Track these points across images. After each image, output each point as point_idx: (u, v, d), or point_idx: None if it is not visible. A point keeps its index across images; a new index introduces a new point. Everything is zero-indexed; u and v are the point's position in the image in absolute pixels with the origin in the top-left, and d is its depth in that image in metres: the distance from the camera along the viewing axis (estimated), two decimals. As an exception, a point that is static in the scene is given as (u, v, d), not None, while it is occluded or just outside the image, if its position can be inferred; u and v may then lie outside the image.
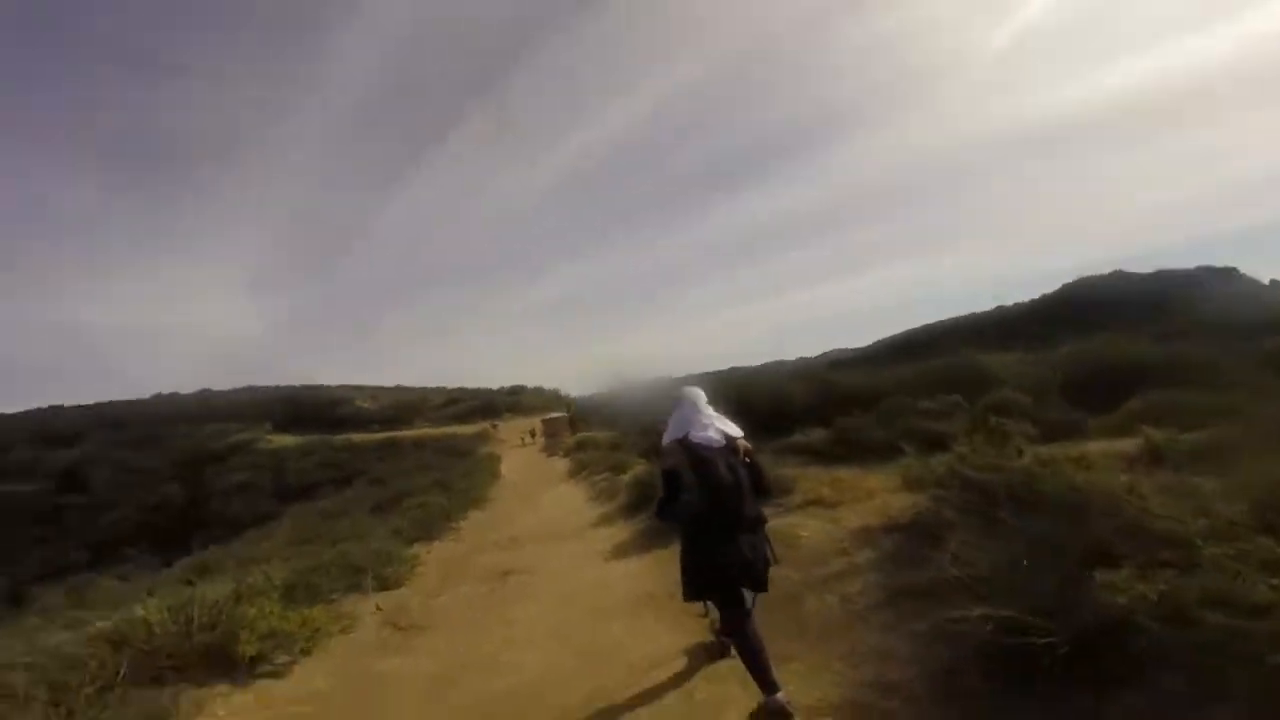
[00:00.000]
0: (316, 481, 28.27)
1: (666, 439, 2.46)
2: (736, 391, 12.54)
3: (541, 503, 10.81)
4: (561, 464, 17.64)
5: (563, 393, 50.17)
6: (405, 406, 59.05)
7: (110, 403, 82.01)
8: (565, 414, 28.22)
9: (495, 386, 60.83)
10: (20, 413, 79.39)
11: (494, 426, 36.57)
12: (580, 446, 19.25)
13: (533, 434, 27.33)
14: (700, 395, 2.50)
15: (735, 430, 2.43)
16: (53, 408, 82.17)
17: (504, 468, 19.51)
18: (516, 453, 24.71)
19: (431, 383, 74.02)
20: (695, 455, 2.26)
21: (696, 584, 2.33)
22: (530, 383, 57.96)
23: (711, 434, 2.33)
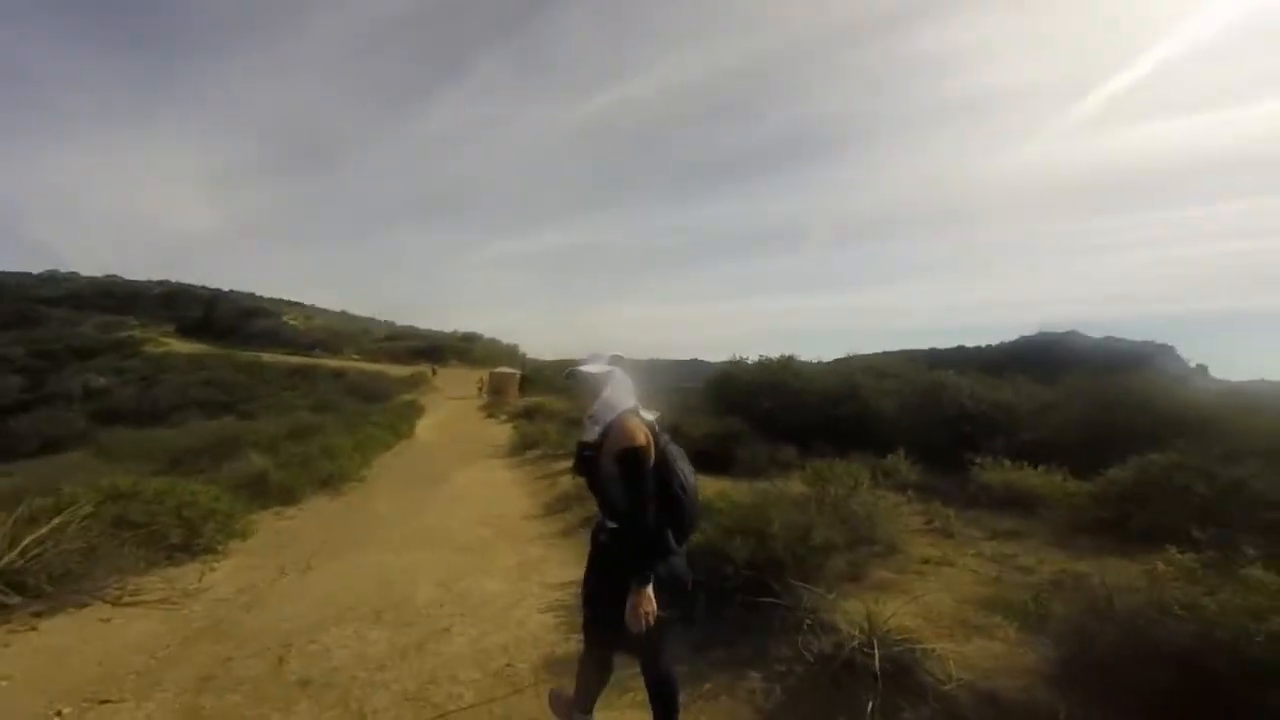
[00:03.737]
0: (186, 402, 22.59)
1: (609, 413, 1.61)
2: (770, 384, 8.80)
3: (449, 490, 6.80)
4: (501, 431, 13.84)
5: (520, 350, 45.67)
6: (338, 334, 52.66)
7: (-11, 271, 69.49)
8: (517, 372, 24.06)
9: (449, 330, 54.80)
10: None
11: (433, 372, 32.25)
12: (529, 414, 15.56)
13: (480, 387, 23.09)
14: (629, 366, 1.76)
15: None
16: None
17: (425, 423, 15.26)
18: (451, 405, 20.52)
19: (382, 316, 66.85)
20: (658, 439, 1.61)
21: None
22: (491, 334, 52.32)
23: (653, 417, 1.67)
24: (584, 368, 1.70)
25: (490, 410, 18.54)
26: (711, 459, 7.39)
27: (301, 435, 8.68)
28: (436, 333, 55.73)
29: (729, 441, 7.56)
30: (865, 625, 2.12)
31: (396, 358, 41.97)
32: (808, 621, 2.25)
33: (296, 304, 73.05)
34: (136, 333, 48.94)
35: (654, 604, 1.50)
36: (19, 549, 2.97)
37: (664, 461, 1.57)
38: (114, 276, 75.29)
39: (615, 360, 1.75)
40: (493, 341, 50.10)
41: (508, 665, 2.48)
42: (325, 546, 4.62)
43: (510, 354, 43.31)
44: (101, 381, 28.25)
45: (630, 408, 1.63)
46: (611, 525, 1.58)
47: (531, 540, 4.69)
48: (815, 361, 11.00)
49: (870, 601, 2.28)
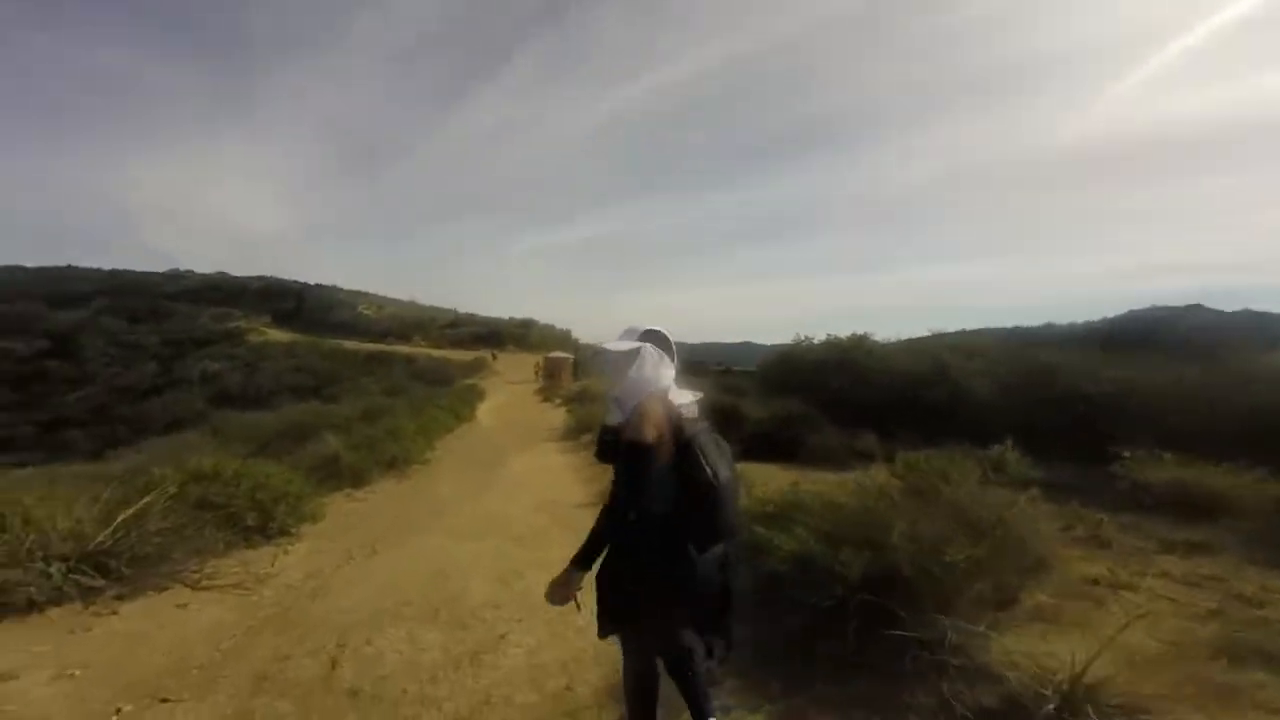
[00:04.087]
0: (281, 387, 25.02)
1: (634, 395, 1.42)
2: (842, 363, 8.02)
3: (507, 475, 6.79)
4: (556, 415, 13.96)
5: (573, 335, 46.48)
6: (408, 321, 56.29)
7: (124, 271, 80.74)
8: (570, 355, 24.32)
9: (506, 317, 56.82)
10: (35, 268, 79.03)
11: (494, 356, 33.47)
12: (583, 397, 15.57)
13: (536, 371, 23.65)
14: (669, 342, 1.54)
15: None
16: (68, 268, 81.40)
17: (485, 407, 15.74)
18: (509, 389, 21.12)
19: (445, 304, 70.65)
20: (684, 430, 1.39)
21: (621, 608, 1.45)
22: (543, 320, 53.64)
23: (688, 399, 1.48)
24: (610, 345, 1.52)
25: (546, 394, 18.84)
26: (774, 445, 6.75)
27: (373, 418, 9.09)
28: (495, 319, 57.97)
29: (794, 425, 6.88)
30: (1057, 677, 1.57)
31: (460, 343, 44.08)
32: (955, 663, 1.75)
33: (368, 294, 78.70)
34: (241, 324, 54.92)
35: (571, 589, 1.47)
36: (111, 528, 3.11)
37: (689, 452, 1.36)
38: (222, 273, 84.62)
39: (648, 336, 1.54)
40: (548, 327, 51.33)
41: (567, 688, 2.19)
42: (390, 530, 4.65)
43: (564, 339, 44.16)
44: (215, 367, 32.03)
45: (661, 388, 1.43)
46: (632, 519, 1.40)
47: (587, 530, 4.46)
48: (888, 341, 9.96)
49: (1036, 639, 1.73)
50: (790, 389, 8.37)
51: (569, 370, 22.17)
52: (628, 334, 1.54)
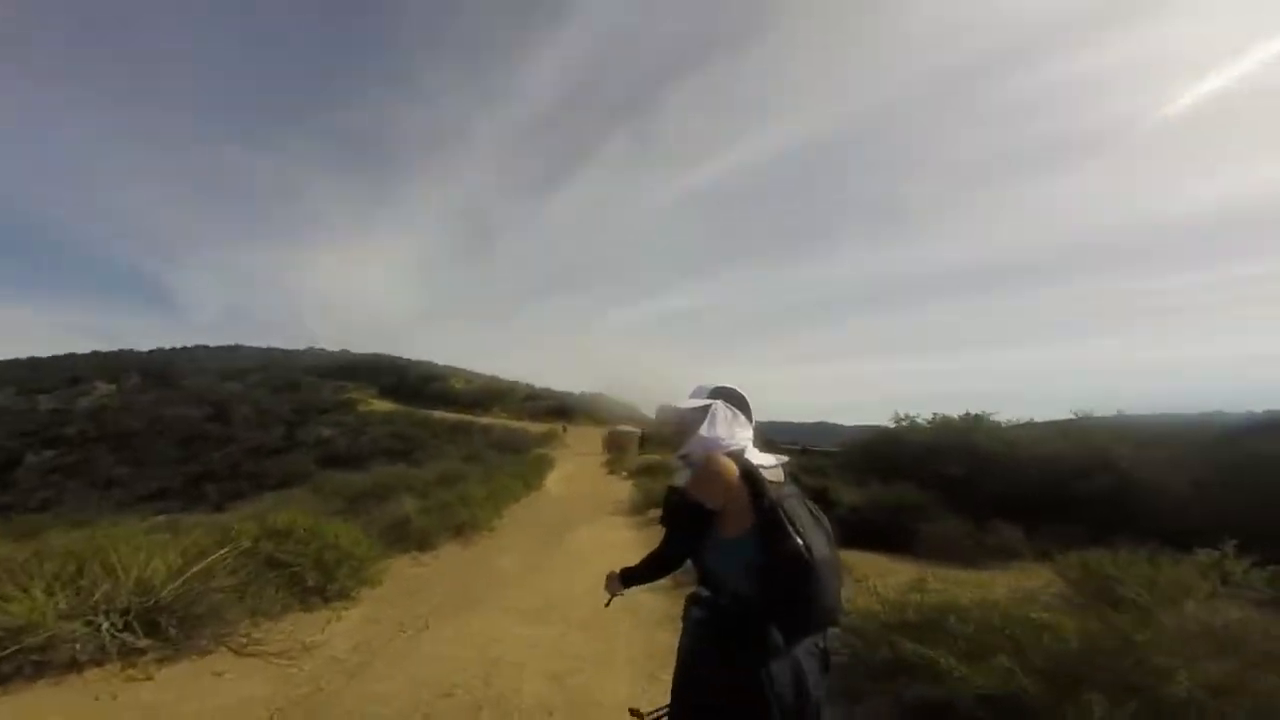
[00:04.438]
0: (378, 451, 27.12)
1: (695, 451, 1.33)
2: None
3: (572, 547, 6.29)
4: (622, 487, 13.39)
5: (640, 409, 46.76)
6: (492, 393, 60.11)
7: (276, 349, 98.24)
8: (637, 430, 24.08)
9: (577, 391, 59.11)
10: (215, 347, 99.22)
11: (564, 429, 34.14)
12: (649, 470, 15.02)
13: (604, 444, 23.61)
14: (744, 400, 1.39)
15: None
16: (236, 347, 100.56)
17: (554, 476, 15.58)
18: (577, 460, 21.02)
19: (524, 378, 75.91)
20: (762, 489, 1.19)
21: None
22: (612, 392, 54.90)
23: (772, 461, 1.31)
24: (680, 403, 1.40)
25: (613, 466, 18.53)
26: (878, 534, 5.80)
27: (449, 482, 9.15)
28: (567, 393, 60.49)
29: (904, 513, 5.86)
30: None
31: (535, 415, 45.93)
32: None
33: (461, 369, 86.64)
34: (353, 394, 62.16)
35: (615, 590, 1.42)
36: (180, 581, 3.04)
37: (773, 517, 1.16)
38: (345, 350, 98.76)
39: (719, 393, 1.42)
40: (617, 401, 52.19)
41: None
42: (448, 601, 4.25)
43: (631, 412, 44.44)
44: (328, 433, 35.84)
45: (734, 447, 1.28)
46: (706, 594, 1.27)
47: (659, 622, 3.73)
48: (1009, 423, 8.48)
49: None
50: (890, 473, 7.26)
51: (634, 443, 21.84)
52: (697, 392, 1.42)
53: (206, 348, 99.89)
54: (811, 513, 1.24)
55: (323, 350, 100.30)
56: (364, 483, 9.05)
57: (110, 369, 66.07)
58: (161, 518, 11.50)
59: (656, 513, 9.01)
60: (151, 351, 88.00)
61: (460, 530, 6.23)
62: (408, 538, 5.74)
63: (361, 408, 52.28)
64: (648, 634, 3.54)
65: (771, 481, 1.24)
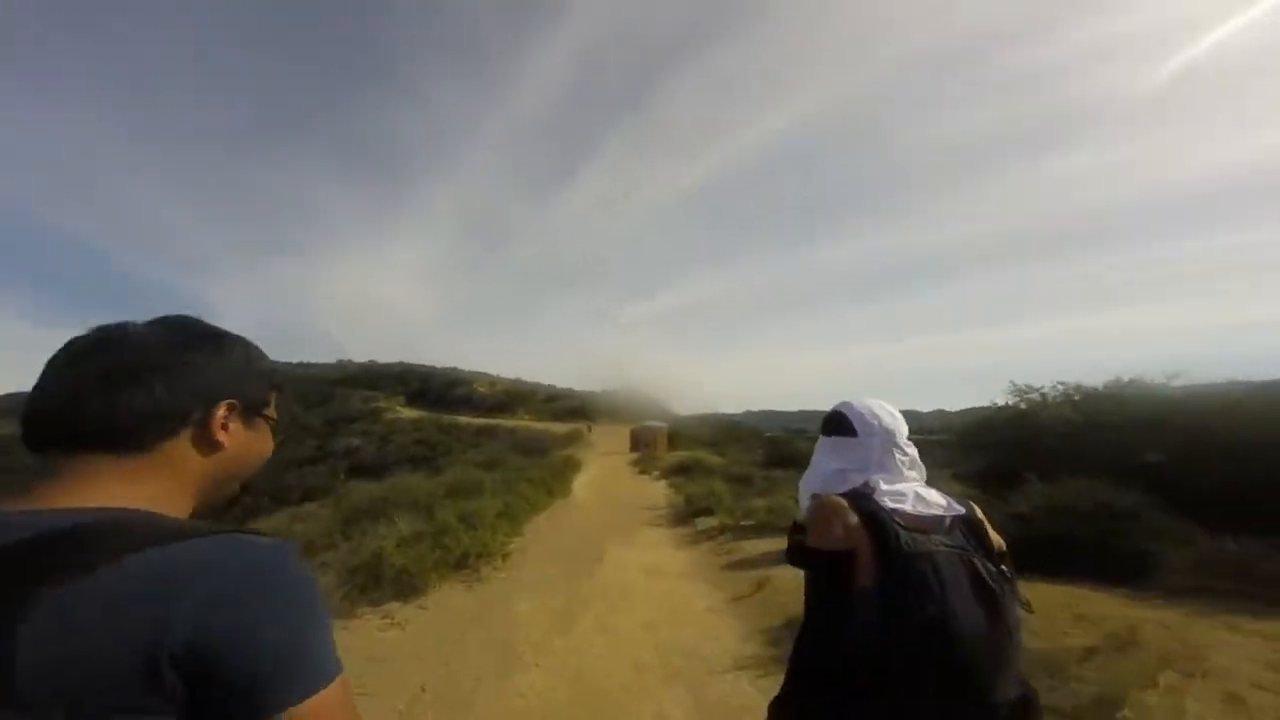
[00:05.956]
0: (402, 458, 26.81)
1: (804, 485, 1.13)
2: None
3: (607, 581, 5.08)
4: (656, 490, 12.22)
5: (665, 405, 45.64)
6: (515, 396, 60.18)
7: (308, 364, 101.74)
8: (664, 425, 22.98)
9: (599, 390, 58.53)
10: None
11: (588, 429, 33.30)
12: (684, 470, 13.83)
13: (632, 442, 22.63)
14: (900, 424, 1.10)
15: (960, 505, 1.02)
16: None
17: (580, 479, 14.51)
18: (603, 461, 20.01)
19: (544, 379, 76.02)
20: (899, 544, 0.90)
21: None
22: (638, 390, 54.06)
23: (934, 499, 1.01)
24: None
25: (642, 466, 17.50)
26: (1067, 556, 4.00)
27: (462, 493, 8.17)
28: (588, 393, 60.00)
29: (1120, 527, 4.14)
30: None
31: (558, 416, 45.49)
32: None
33: (484, 374, 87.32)
34: (380, 403, 63.14)
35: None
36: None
37: (903, 575, 0.86)
38: (372, 360, 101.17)
39: (831, 419, 1.14)
40: (640, 398, 51.22)
41: None
42: (424, 696, 2.89)
43: (656, 409, 43.41)
44: (355, 443, 35.96)
45: (849, 483, 1.02)
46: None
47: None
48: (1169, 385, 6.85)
49: None
50: (1021, 464, 5.76)
51: (663, 440, 20.79)
52: (841, 405, 1.14)
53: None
54: (975, 574, 0.90)
55: (350, 361, 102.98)
56: (362, 498, 8.11)
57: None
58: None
59: (704, 523, 7.80)
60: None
61: (463, 563, 5.11)
62: (381, 583, 4.37)
63: (388, 415, 52.85)
64: (694, 618, 2.29)
65: (907, 529, 0.92)
